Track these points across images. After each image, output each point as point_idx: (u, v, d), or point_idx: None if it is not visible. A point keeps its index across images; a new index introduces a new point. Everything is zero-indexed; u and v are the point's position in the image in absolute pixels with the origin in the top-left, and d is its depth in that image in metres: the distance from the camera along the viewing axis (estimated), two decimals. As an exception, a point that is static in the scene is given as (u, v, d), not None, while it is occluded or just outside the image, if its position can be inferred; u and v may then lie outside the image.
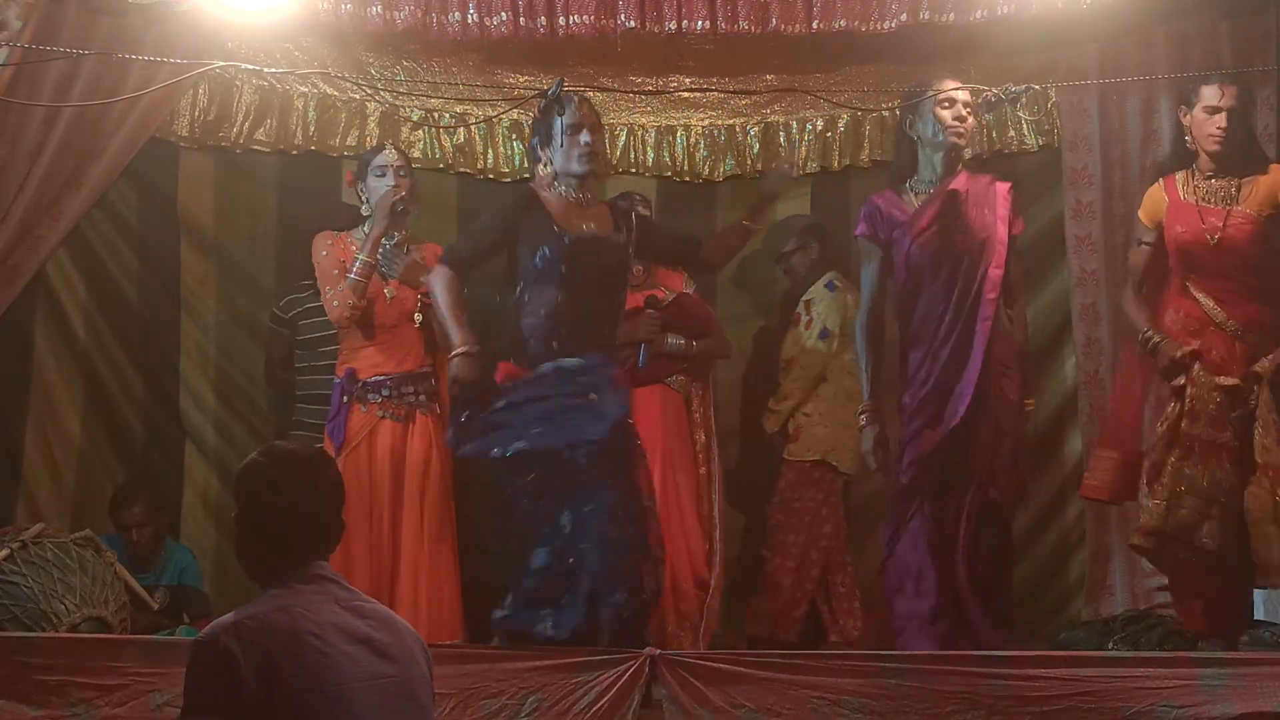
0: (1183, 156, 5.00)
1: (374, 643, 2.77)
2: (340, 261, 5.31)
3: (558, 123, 4.80)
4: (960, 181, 4.92)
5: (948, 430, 4.78)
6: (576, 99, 4.87)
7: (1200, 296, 4.88)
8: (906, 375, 4.97)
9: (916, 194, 4.97)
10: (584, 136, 4.78)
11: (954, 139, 4.91)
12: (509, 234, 4.80)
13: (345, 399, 5.27)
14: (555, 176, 4.84)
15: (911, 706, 4.23)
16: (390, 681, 2.76)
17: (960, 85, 5.00)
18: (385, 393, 5.27)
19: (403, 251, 5.36)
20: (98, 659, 4.36)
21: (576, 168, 4.79)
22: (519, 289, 4.78)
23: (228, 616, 2.71)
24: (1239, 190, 4.88)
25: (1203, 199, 4.90)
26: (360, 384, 5.27)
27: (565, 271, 4.69)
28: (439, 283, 4.79)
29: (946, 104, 4.92)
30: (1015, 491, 4.98)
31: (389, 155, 5.43)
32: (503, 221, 4.84)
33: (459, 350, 4.68)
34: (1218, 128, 4.86)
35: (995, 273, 4.86)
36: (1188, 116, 4.95)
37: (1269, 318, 4.85)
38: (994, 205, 4.94)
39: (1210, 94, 4.88)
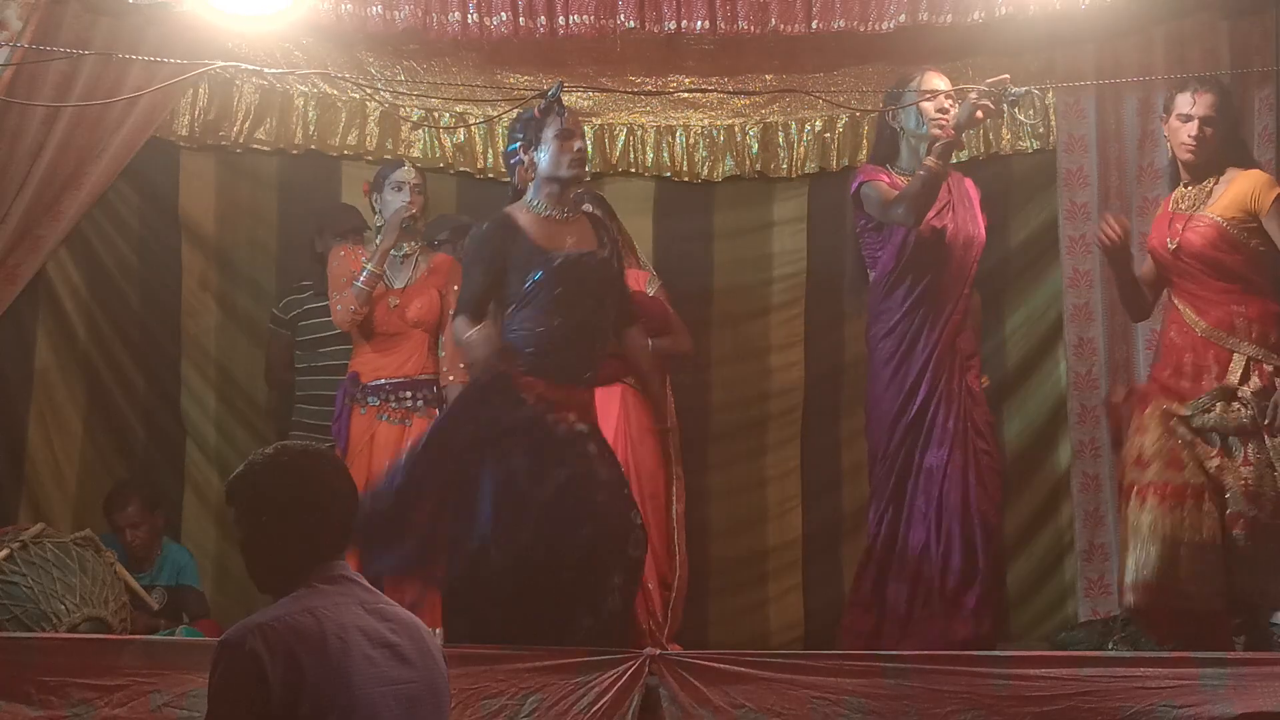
0: (1176, 171, 4.96)
1: (396, 647, 2.76)
2: (350, 271, 5.43)
3: (549, 129, 4.73)
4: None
5: (910, 419, 4.99)
6: (566, 110, 4.80)
7: (1180, 305, 4.87)
8: (874, 367, 5.12)
9: (903, 176, 5.06)
10: (577, 143, 4.75)
11: (935, 130, 5.00)
12: (499, 265, 4.70)
13: (346, 401, 5.41)
14: (538, 184, 4.77)
15: (912, 706, 4.23)
16: (411, 687, 2.75)
17: (943, 83, 5.08)
18: (383, 396, 5.40)
19: (412, 262, 5.52)
20: (98, 659, 4.34)
21: (564, 173, 4.73)
22: (510, 310, 4.74)
23: (253, 617, 2.69)
24: (1210, 195, 4.83)
25: (1178, 207, 4.87)
26: (361, 387, 5.41)
27: (559, 293, 4.65)
28: (460, 330, 4.72)
29: (930, 97, 5.01)
30: (995, 484, 5.08)
31: (407, 173, 5.56)
32: (490, 255, 4.72)
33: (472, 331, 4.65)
34: (1189, 136, 4.80)
35: (974, 267, 5.07)
36: (1166, 125, 4.93)
37: (1240, 320, 4.79)
38: (972, 203, 5.12)
39: (1183, 101, 4.83)
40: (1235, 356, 4.74)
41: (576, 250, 4.72)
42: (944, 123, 4.99)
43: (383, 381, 5.41)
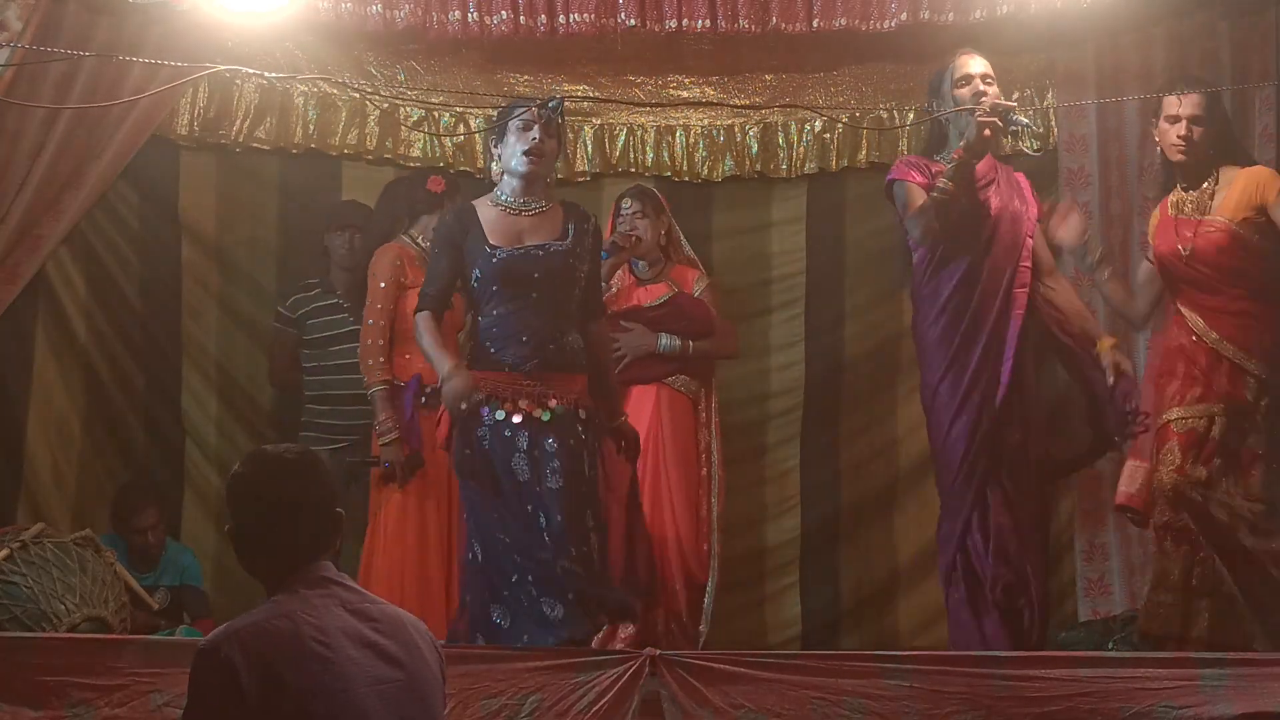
0: (1170, 174, 4.96)
1: (380, 646, 2.75)
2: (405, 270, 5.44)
3: (513, 121, 4.66)
4: (985, 164, 4.94)
5: (994, 413, 4.84)
6: (543, 109, 4.70)
7: (1187, 312, 4.85)
8: (926, 354, 4.99)
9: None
10: (533, 134, 4.63)
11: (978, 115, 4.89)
12: (458, 255, 4.68)
13: (416, 402, 5.35)
14: (503, 176, 4.72)
15: (911, 707, 4.22)
16: (397, 685, 2.74)
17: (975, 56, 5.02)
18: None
19: None
20: (98, 659, 4.32)
21: (518, 167, 4.65)
22: (472, 314, 4.77)
23: (231, 624, 2.70)
24: (1213, 198, 4.81)
25: (1181, 212, 4.86)
26: (428, 390, 5.33)
27: (496, 290, 4.62)
28: (420, 327, 4.70)
29: (962, 82, 4.95)
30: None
31: None
32: (448, 248, 4.71)
33: (448, 369, 4.58)
34: (1178, 136, 4.80)
35: (1027, 262, 4.94)
36: (1156, 128, 4.92)
37: (1251, 331, 4.80)
38: (1022, 194, 5.04)
39: (1170, 102, 4.84)
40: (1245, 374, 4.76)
41: (522, 245, 4.64)
42: (983, 104, 4.87)
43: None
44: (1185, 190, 4.87)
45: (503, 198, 4.73)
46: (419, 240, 5.53)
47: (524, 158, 4.63)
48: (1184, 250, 4.81)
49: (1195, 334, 4.82)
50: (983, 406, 4.87)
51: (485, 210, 4.71)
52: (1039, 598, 4.89)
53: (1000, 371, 4.88)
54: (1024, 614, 4.85)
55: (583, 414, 4.68)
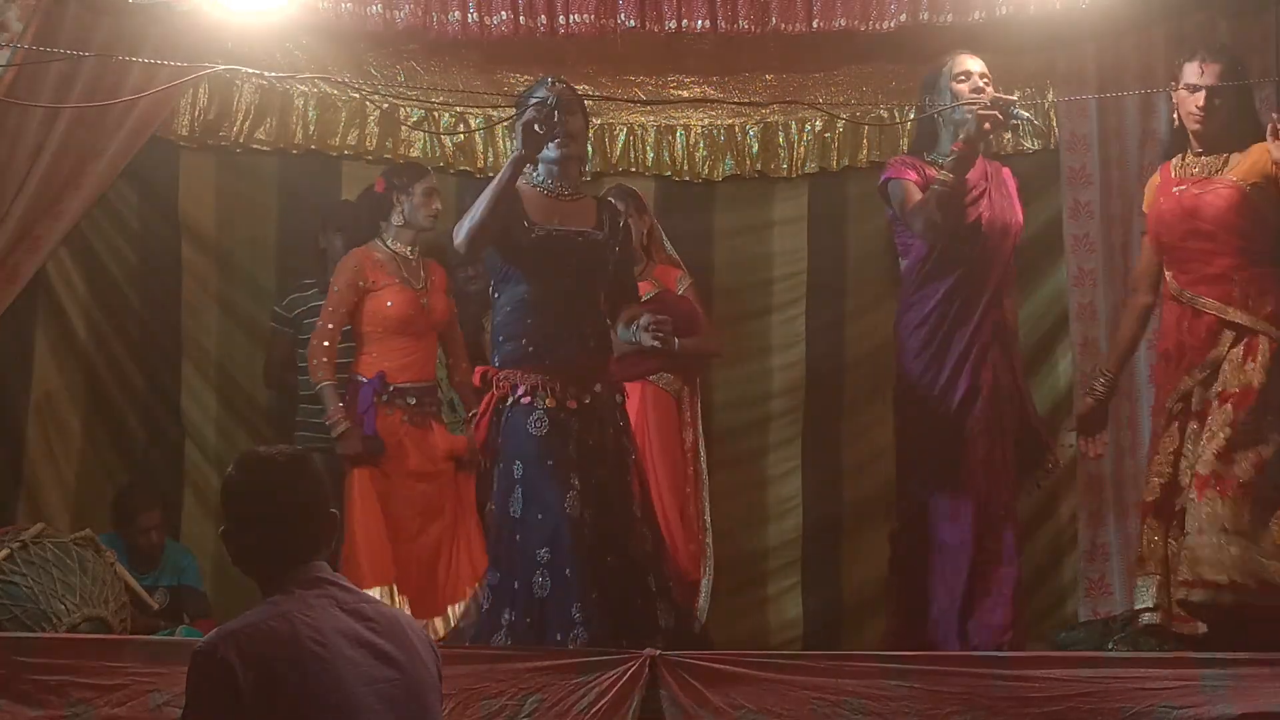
0: (1180, 140, 4.93)
1: (376, 646, 2.75)
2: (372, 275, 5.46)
3: (530, 110, 4.56)
4: (976, 173, 4.91)
5: (953, 410, 4.86)
6: (553, 83, 4.67)
7: (1169, 277, 4.83)
8: (905, 360, 5.00)
9: (937, 166, 4.91)
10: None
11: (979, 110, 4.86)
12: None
13: (374, 399, 5.36)
14: (534, 164, 4.64)
15: (911, 707, 4.22)
16: (393, 685, 2.74)
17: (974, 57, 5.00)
18: (412, 400, 5.43)
19: (421, 265, 5.57)
20: (98, 659, 4.33)
21: (551, 154, 4.59)
22: (491, 286, 4.71)
23: (229, 624, 2.70)
24: (1226, 164, 4.79)
25: (1188, 173, 4.83)
26: (390, 388, 5.38)
27: (532, 266, 4.56)
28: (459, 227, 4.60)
29: (962, 78, 4.93)
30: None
31: (434, 179, 5.62)
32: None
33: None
34: (1197, 106, 4.77)
35: (1011, 255, 4.97)
36: (1174, 94, 4.90)
37: (1235, 288, 4.75)
38: (1009, 190, 5.03)
39: (1191, 71, 4.80)
40: (1224, 326, 4.71)
41: (561, 228, 4.61)
42: (982, 99, 4.85)
43: (410, 385, 5.43)
44: (1198, 155, 4.84)
45: (538, 179, 4.67)
46: (389, 243, 5.54)
47: (553, 144, 4.57)
48: (1184, 201, 4.77)
49: (1183, 302, 4.81)
50: (943, 415, 4.87)
51: (523, 187, 4.63)
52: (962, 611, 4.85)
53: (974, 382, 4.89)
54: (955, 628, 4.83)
55: (619, 399, 4.68)
